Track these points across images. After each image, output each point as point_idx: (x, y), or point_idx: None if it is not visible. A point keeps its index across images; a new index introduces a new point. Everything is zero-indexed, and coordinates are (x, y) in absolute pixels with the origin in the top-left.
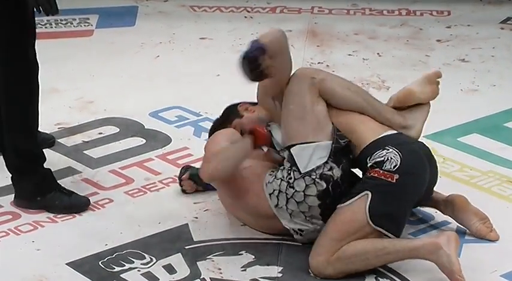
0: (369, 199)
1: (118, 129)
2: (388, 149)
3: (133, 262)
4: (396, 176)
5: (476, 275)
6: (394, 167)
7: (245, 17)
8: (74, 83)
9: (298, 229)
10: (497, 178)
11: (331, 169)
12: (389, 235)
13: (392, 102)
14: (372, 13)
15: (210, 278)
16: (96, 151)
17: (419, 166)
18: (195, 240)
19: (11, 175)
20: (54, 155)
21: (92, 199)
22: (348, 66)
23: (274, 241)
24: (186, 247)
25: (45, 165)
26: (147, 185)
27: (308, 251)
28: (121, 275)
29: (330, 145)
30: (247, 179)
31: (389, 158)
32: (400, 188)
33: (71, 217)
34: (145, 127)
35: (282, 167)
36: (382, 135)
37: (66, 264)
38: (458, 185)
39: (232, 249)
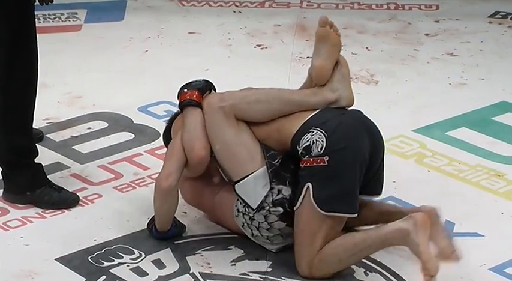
0: (311, 191)
1: (107, 124)
2: (313, 131)
3: (123, 257)
4: (326, 158)
5: (465, 269)
6: (321, 149)
7: (234, 11)
8: (63, 78)
9: (283, 246)
10: (486, 171)
11: (279, 191)
12: (346, 216)
13: (313, 84)
14: (360, 7)
15: (199, 273)
16: (84, 146)
17: (349, 136)
18: (184, 235)
19: (1, 169)
20: (42, 150)
21: (80, 194)
22: None
23: None
24: (175, 242)
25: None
26: (136, 180)
27: None
28: (110, 270)
29: (266, 171)
30: (220, 206)
31: (315, 141)
32: (335, 168)
33: (60, 212)
34: (134, 122)
35: (238, 201)
36: (307, 119)
37: (55, 259)
38: (447, 179)
39: (222, 244)
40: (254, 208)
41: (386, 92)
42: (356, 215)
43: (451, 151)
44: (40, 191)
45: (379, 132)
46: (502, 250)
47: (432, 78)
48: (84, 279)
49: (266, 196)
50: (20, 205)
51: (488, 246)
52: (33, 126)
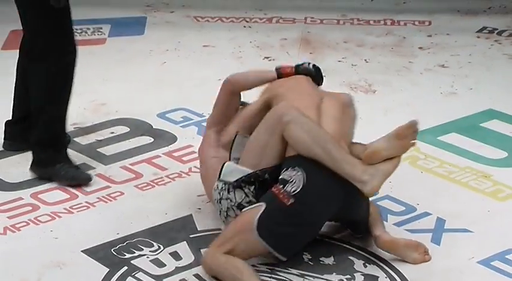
0: (261, 210)
1: (128, 129)
2: (298, 171)
3: (143, 250)
4: (291, 200)
5: (454, 262)
6: (293, 191)
7: (244, 26)
8: (88, 86)
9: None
10: (474, 173)
11: (229, 191)
12: (273, 252)
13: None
14: (359, 23)
15: None
16: (108, 148)
17: (322, 196)
18: (199, 229)
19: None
20: (70, 152)
21: (104, 192)
22: (337, 71)
23: None
24: (191, 236)
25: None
26: (155, 179)
27: None
28: (131, 262)
29: (247, 173)
30: (211, 170)
31: (293, 181)
32: (292, 212)
33: (86, 208)
34: (153, 127)
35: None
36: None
37: (82, 251)
38: (438, 180)
39: None
40: (221, 178)
41: (383, 100)
42: (285, 259)
43: (442, 154)
44: (59, 167)
45: (358, 195)
46: (489, 244)
47: (425, 88)
48: (108, 269)
49: (225, 183)
50: (49, 202)
51: (476, 241)
52: None
